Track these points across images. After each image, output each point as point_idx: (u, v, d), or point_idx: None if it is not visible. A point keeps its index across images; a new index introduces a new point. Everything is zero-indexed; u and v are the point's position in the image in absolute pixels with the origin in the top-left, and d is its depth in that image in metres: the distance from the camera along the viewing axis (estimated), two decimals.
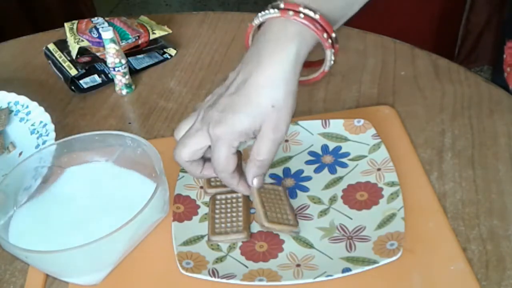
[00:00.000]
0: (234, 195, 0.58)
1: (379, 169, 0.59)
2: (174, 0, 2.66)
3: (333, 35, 0.53)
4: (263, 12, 0.54)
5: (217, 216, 0.57)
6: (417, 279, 0.50)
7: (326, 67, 0.55)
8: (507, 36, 0.79)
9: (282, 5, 0.52)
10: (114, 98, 0.79)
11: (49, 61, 0.85)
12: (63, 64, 0.82)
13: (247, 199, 0.58)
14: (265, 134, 0.52)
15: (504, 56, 0.79)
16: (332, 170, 0.61)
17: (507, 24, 0.85)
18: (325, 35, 0.52)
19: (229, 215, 0.57)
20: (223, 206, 0.57)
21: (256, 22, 0.55)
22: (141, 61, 0.85)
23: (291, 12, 0.51)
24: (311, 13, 0.51)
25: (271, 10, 0.52)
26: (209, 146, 0.53)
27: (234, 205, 0.57)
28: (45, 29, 0.96)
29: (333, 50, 0.54)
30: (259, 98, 0.51)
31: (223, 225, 0.56)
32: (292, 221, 0.55)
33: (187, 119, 0.56)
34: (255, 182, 0.54)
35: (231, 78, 0.54)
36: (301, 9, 0.51)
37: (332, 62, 0.55)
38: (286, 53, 0.51)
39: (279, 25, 0.52)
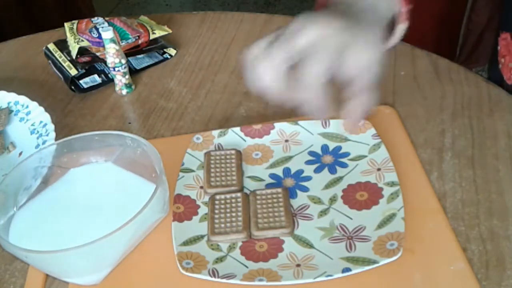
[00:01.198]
0: (233, 195, 0.58)
1: (379, 169, 0.59)
2: (174, 0, 2.66)
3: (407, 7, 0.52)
4: None
5: (216, 216, 0.57)
6: (417, 279, 0.50)
7: (391, 42, 0.55)
8: (501, 28, 0.79)
9: None
10: (114, 98, 0.79)
11: (49, 61, 0.85)
12: (63, 64, 0.82)
13: (246, 199, 0.58)
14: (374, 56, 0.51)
15: (499, 47, 0.79)
16: (332, 170, 0.61)
17: (502, 16, 0.86)
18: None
19: (228, 215, 0.57)
20: (222, 206, 0.57)
21: None
22: (141, 61, 0.85)
23: None
24: None
25: None
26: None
27: (234, 205, 0.57)
28: (43, 29, 0.96)
29: (404, 24, 0.53)
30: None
31: (222, 225, 0.56)
32: (285, 223, 0.55)
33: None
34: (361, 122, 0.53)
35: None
36: None
37: (399, 37, 0.55)
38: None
39: None
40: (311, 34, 0.49)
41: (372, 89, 0.51)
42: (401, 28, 0.54)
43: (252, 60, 0.52)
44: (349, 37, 0.49)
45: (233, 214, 0.57)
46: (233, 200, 0.58)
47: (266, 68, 0.50)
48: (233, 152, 0.63)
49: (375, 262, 0.50)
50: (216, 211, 0.57)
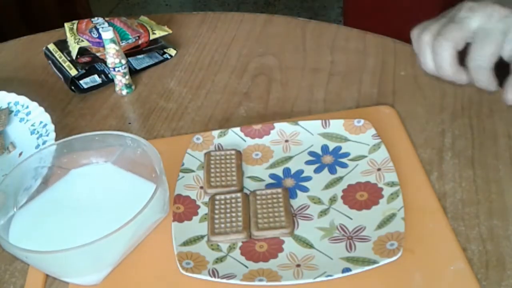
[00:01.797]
0: (233, 195, 0.58)
1: (379, 169, 0.59)
2: (174, 0, 2.67)
3: None
4: None
5: (216, 216, 0.57)
6: (417, 279, 0.50)
7: None
8: None
9: None
10: (114, 98, 0.79)
11: (49, 61, 0.85)
12: (63, 64, 0.82)
13: (246, 199, 0.58)
14: None
15: None
16: (332, 170, 0.61)
17: None
18: None
19: (228, 215, 0.57)
20: (222, 206, 0.58)
21: None
22: (141, 61, 0.85)
23: None
24: None
25: None
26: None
27: (234, 205, 0.57)
28: (42, 30, 0.96)
29: None
30: None
31: (222, 225, 0.56)
32: (285, 223, 0.55)
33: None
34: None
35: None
36: None
37: None
38: None
39: None
40: (481, 18, 0.54)
41: None
42: None
43: (427, 42, 0.57)
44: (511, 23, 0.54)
45: (233, 214, 0.57)
46: (233, 200, 0.58)
47: (448, 48, 0.55)
48: (233, 152, 0.63)
49: (375, 262, 0.50)
50: (216, 211, 0.57)
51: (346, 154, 0.62)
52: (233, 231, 0.55)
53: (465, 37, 0.55)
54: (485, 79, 0.56)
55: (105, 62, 0.78)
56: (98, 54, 0.82)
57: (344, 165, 0.61)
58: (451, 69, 0.57)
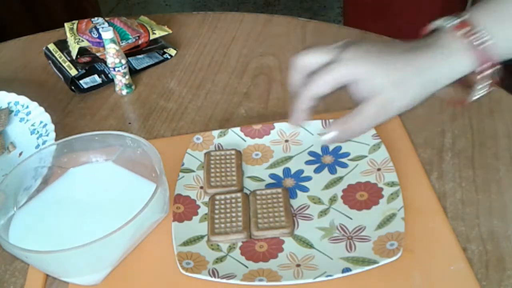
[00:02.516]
0: (233, 195, 0.58)
1: (379, 169, 0.59)
2: (174, 0, 2.67)
3: (493, 69, 0.51)
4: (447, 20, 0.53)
5: (216, 216, 0.57)
6: (417, 279, 0.50)
7: (469, 97, 0.54)
8: None
9: (459, 20, 0.51)
10: (114, 98, 0.79)
11: (49, 61, 0.85)
12: (63, 64, 0.82)
13: (246, 199, 0.58)
14: (367, 106, 0.51)
15: None
16: (332, 170, 0.61)
17: None
18: (485, 65, 0.50)
19: (228, 215, 0.57)
20: (222, 206, 0.58)
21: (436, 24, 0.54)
22: (141, 61, 0.85)
23: (463, 30, 0.50)
24: (481, 40, 0.50)
25: (445, 24, 0.52)
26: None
27: (234, 205, 0.57)
28: (49, 29, 0.96)
29: (487, 82, 0.52)
30: (397, 66, 0.51)
31: (222, 225, 0.56)
32: (285, 223, 0.55)
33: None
34: (327, 138, 0.53)
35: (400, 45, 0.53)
36: (474, 31, 0.50)
37: (480, 95, 0.53)
38: (444, 65, 0.51)
39: (448, 36, 0.51)
40: (346, 72, 0.52)
41: (343, 130, 0.53)
42: (477, 87, 0.52)
43: (301, 73, 0.54)
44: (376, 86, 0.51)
45: (233, 214, 0.57)
46: (233, 200, 0.58)
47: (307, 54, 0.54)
48: (233, 152, 0.63)
49: (375, 262, 0.50)
50: (216, 211, 0.57)
51: (346, 154, 0.62)
52: (233, 231, 0.55)
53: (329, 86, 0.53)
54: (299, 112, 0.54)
55: (105, 62, 0.78)
56: (98, 54, 0.82)
57: (344, 165, 0.61)
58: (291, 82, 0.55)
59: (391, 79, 0.50)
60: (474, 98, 0.53)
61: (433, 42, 0.52)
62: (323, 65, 0.52)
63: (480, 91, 0.53)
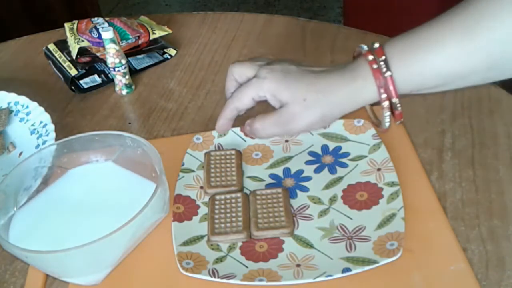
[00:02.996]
0: (233, 195, 0.58)
1: (379, 169, 0.59)
2: (174, 0, 2.67)
3: (394, 100, 0.52)
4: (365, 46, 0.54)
5: (216, 216, 0.57)
6: (417, 279, 0.50)
7: (381, 125, 0.56)
8: None
9: (374, 46, 0.53)
10: (114, 98, 0.79)
11: (49, 61, 0.85)
12: (63, 64, 0.82)
13: (246, 199, 0.58)
14: (272, 114, 0.56)
15: None
16: (332, 170, 0.61)
17: None
18: (384, 96, 0.52)
19: (228, 215, 0.57)
20: (222, 206, 0.58)
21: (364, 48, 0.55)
22: (141, 61, 0.85)
23: (370, 57, 0.52)
24: (384, 69, 0.51)
25: (364, 47, 0.54)
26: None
27: (234, 205, 0.57)
28: (49, 29, 0.96)
29: (389, 113, 0.54)
30: (310, 88, 0.54)
31: (222, 225, 0.56)
32: (285, 223, 0.55)
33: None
34: (245, 130, 0.59)
35: (314, 68, 0.57)
36: (380, 59, 0.51)
37: (387, 125, 0.55)
38: (348, 89, 0.53)
39: (361, 61, 0.53)
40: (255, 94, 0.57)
41: (250, 131, 0.59)
42: (384, 114, 0.54)
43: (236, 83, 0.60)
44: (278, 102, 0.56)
45: (233, 215, 0.57)
46: (233, 200, 0.58)
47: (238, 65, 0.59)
48: (233, 152, 0.63)
49: (375, 262, 0.50)
50: (216, 211, 0.57)
51: (346, 154, 0.62)
52: (233, 231, 0.55)
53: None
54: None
55: (105, 62, 0.78)
56: (98, 54, 0.82)
57: (344, 165, 0.61)
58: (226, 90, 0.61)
59: (297, 96, 0.54)
60: (386, 125, 0.55)
61: (348, 65, 0.54)
62: (249, 78, 0.57)
63: (387, 120, 0.55)
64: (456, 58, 0.49)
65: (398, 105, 0.52)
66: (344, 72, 0.54)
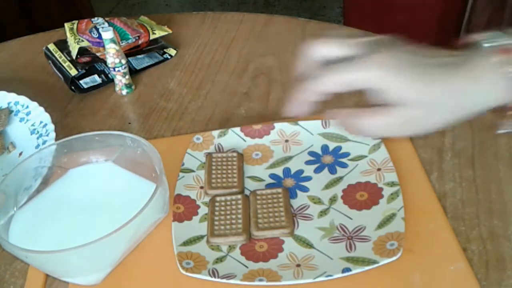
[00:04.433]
0: (234, 197, 0.58)
1: (379, 169, 0.59)
2: (174, 0, 2.67)
3: None
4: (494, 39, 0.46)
5: (216, 218, 0.57)
6: (417, 279, 0.50)
7: (497, 128, 0.51)
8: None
9: (499, 44, 0.45)
10: (114, 98, 0.79)
11: (49, 61, 0.85)
12: (63, 64, 0.82)
13: (247, 201, 0.58)
14: (394, 118, 0.46)
15: None
16: (332, 170, 0.61)
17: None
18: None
19: (228, 217, 0.57)
20: (222, 208, 0.57)
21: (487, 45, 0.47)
22: (141, 61, 0.85)
23: (499, 58, 0.44)
24: None
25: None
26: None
27: (234, 207, 0.57)
28: (43, 30, 0.96)
29: (510, 123, 0.48)
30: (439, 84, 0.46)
31: (222, 227, 0.56)
32: (285, 223, 0.55)
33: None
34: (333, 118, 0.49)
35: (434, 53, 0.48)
36: None
37: (506, 131, 0.49)
38: (475, 93, 0.46)
39: (483, 60, 0.45)
40: (366, 74, 0.47)
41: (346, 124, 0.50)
42: (508, 123, 0.47)
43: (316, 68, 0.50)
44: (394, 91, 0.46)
45: (233, 216, 0.57)
46: (233, 202, 0.58)
47: (327, 82, 0.48)
48: (234, 154, 0.63)
49: (375, 262, 0.50)
50: (216, 213, 0.57)
51: (346, 154, 0.62)
52: (232, 233, 0.55)
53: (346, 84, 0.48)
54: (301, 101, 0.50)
55: (105, 62, 0.78)
56: (98, 54, 0.82)
57: (344, 165, 0.61)
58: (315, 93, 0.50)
59: (424, 97, 0.45)
60: (501, 131, 0.50)
61: (467, 61, 0.46)
62: (342, 59, 0.47)
63: (508, 127, 0.49)
64: None
65: None
66: (467, 70, 0.46)
